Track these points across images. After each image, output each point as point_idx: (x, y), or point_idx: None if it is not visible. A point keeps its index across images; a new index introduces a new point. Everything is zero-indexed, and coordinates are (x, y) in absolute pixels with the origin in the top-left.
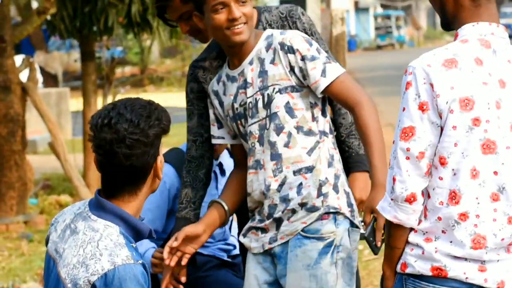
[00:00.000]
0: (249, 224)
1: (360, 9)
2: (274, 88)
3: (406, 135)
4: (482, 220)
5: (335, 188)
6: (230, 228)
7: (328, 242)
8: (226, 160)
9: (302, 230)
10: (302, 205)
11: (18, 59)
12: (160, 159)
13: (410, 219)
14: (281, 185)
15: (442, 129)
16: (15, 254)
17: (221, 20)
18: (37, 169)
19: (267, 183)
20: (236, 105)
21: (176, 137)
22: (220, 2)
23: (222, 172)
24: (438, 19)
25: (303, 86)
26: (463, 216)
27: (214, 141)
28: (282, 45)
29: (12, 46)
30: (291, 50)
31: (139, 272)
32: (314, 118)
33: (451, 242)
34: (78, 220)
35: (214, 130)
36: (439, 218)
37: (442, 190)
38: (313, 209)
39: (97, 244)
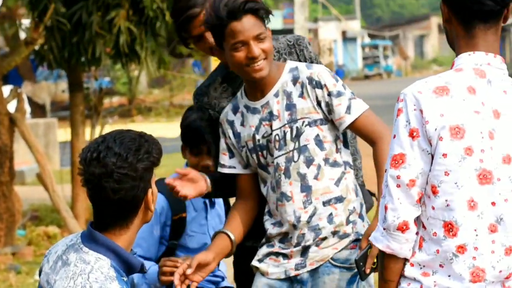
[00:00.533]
0: (267, 249)
1: (347, 39)
2: (303, 122)
3: (397, 162)
4: (480, 253)
5: (361, 216)
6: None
7: (355, 272)
8: None
9: (332, 258)
10: (334, 233)
11: (6, 89)
12: (152, 191)
13: (403, 248)
14: (311, 216)
15: (432, 157)
16: (3, 286)
17: (241, 58)
18: (25, 200)
19: (297, 214)
20: (258, 137)
21: (164, 168)
22: (240, 41)
23: (212, 204)
24: (425, 49)
25: (328, 119)
26: (461, 248)
27: (224, 170)
28: (310, 79)
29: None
30: (319, 85)
31: None
32: (338, 150)
33: (449, 276)
34: (70, 252)
35: (225, 160)
36: (437, 251)
37: (435, 220)
38: (344, 235)
39: (88, 276)
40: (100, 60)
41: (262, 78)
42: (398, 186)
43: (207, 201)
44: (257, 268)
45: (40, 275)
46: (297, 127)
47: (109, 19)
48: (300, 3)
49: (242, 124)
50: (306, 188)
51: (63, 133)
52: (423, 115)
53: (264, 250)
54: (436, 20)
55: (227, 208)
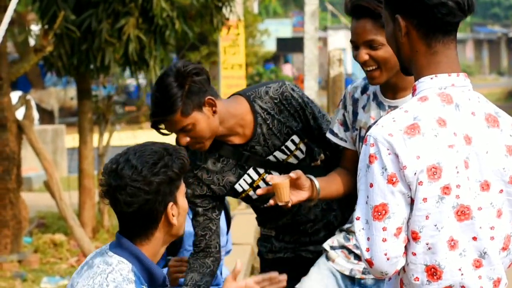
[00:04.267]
0: (342, 241)
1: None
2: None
3: (380, 214)
4: None
5: None
6: (221, 273)
7: None
8: None
9: None
10: None
11: (14, 96)
12: (178, 204)
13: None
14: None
15: (412, 200)
16: None
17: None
18: (32, 207)
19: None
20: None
21: None
22: (352, 41)
23: None
24: None
25: None
26: None
27: (334, 139)
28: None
29: (8, 84)
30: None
31: None
32: None
33: None
34: (96, 257)
35: (339, 130)
36: None
37: (416, 266)
38: None
39: (107, 276)
40: (109, 68)
41: (375, 84)
42: (385, 240)
43: None
44: (326, 251)
45: None
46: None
47: (119, 27)
48: (310, 13)
49: (363, 108)
50: None
51: (71, 140)
52: (399, 160)
53: (340, 239)
54: None
55: (227, 217)
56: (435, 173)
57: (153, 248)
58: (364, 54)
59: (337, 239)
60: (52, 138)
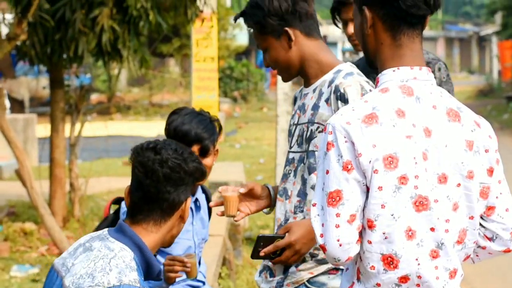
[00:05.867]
0: (263, 262)
1: (328, 43)
2: (318, 127)
3: (334, 200)
4: (424, 280)
5: None
6: (199, 263)
7: None
8: (200, 196)
9: (308, 281)
10: (312, 255)
11: None
12: (186, 205)
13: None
14: None
15: (368, 189)
16: None
17: None
18: (2, 196)
19: (287, 216)
20: (291, 121)
21: None
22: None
23: (197, 208)
24: None
25: None
26: (404, 279)
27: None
28: (336, 89)
29: None
30: (342, 98)
31: None
32: None
33: None
34: (94, 240)
35: None
36: (378, 284)
37: (372, 254)
38: (323, 261)
39: (109, 260)
40: (82, 57)
41: (285, 81)
42: (337, 226)
43: (193, 205)
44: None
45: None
46: (311, 130)
47: (93, 17)
48: None
49: (294, 103)
50: (302, 194)
51: (42, 129)
52: (355, 147)
53: (263, 262)
54: None
55: (209, 208)
56: (391, 162)
57: (159, 238)
58: (264, 60)
59: (262, 264)
60: (23, 128)
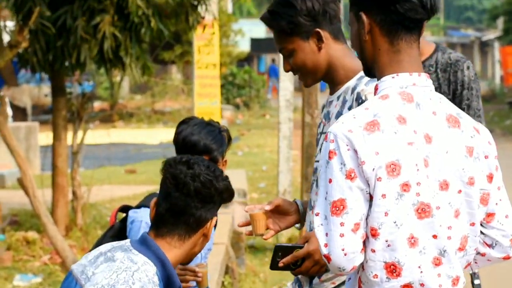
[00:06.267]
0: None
1: None
2: None
3: (338, 209)
4: None
5: None
6: None
7: None
8: None
9: None
10: None
11: None
12: (211, 223)
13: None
14: None
15: (371, 197)
16: None
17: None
18: (4, 204)
19: (311, 227)
20: (318, 130)
21: (145, 174)
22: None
23: None
24: None
25: None
26: (407, 287)
27: None
28: (358, 96)
29: None
30: None
31: None
32: None
33: None
34: (116, 251)
35: None
36: None
37: (375, 263)
38: None
39: (132, 273)
40: (84, 65)
41: (307, 87)
42: (342, 235)
43: None
44: None
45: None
46: None
47: (94, 24)
48: None
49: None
50: None
51: (44, 137)
52: (358, 155)
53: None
54: None
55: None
56: (394, 169)
57: (181, 254)
58: (286, 65)
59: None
60: (25, 136)
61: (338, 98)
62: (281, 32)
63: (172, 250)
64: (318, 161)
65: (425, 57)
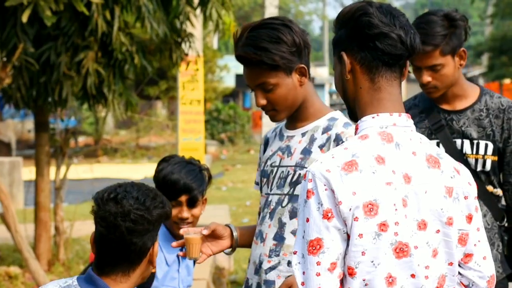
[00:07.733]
0: None
1: (315, 85)
2: None
3: (314, 248)
4: None
5: None
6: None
7: None
8: None
9: None
10: None
11: None
12: (154, 248)
13: None
14: (272, 268)
15: (348, 236)
16: None
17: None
18: None
19: (261, 259)
20: (268, 162)
21: None
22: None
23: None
24: None
25: None
26: None
27: (254, 187)
28: (338, 137)
29: None
30: None
31: None
32: None
33: None
34: None
35: (257, 176)
36: None
37: None
38: None
39: None
40: (66, 101)
41: (276, 121)
42: (318, 274)
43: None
44: None
45: None
46: (299, 174)
47: (78, 60)
48: None
49: (270, 145)
50: (279, 238)
51: (28, 172)
52: (335, 195)
53: None
54: None
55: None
56: (371, 209)
57: (128, 287)
58: (261, 99)
59: None
60: (9, 171)
61: (303, 134)
62: (266, 67)
63: (119, 285)
64: (273, 194)
65: (473, 100)
